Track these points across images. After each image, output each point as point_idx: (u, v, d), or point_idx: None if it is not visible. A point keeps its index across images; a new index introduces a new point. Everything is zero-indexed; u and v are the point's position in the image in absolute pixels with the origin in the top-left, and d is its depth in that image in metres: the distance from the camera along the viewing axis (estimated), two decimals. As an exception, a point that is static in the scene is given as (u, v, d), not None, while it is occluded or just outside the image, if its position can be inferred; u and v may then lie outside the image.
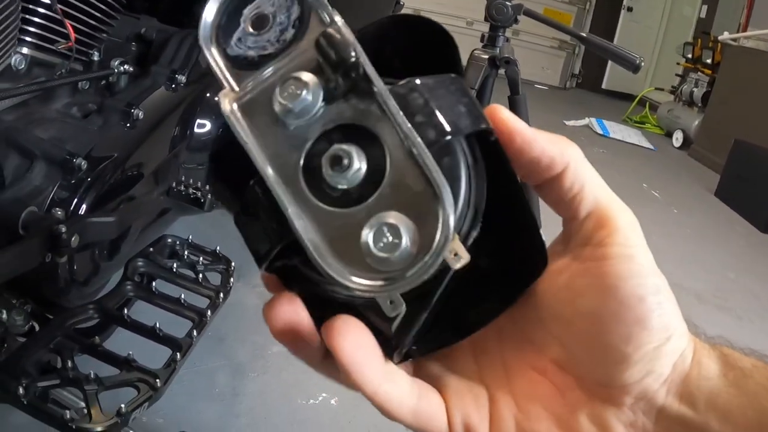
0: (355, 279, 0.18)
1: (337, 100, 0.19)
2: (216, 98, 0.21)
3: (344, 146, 0.19)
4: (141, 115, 0.79)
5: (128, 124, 0.79)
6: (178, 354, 0.72)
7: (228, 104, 0.20)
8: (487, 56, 1.09)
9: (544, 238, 0.22)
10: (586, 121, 4.30)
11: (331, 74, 0.19)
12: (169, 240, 0.92)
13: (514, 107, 1.13)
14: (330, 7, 0.20)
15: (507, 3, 1.03)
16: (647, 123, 4.73)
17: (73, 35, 0.72)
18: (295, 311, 0.20)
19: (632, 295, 0.20)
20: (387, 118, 0.19)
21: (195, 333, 0.77)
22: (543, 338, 0.23)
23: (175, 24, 0.97)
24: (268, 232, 0.20)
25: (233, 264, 0.92)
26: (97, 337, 0.71)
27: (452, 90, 0.20)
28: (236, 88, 0.20)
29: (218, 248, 0.93)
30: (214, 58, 0.21)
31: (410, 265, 0.18)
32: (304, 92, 0.19)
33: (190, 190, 0.85)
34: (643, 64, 1.04)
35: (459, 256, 0.18)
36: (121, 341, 0.77)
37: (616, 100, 5.64)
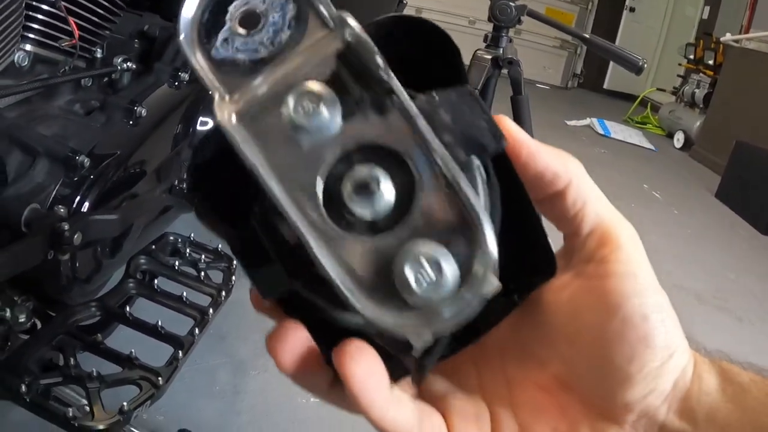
0: (389, 317, 0.17)
1: (355, 114, 0.17)
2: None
3: (370, 170, 0.17)
4: (144, 112, 0.79)
5: (131, 122, 0.79)
6: (180, 352, 0.72)
7: (227, 116, 0.17)
8: (490, 57, 1.09)
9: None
10: (587, 121, 4.29)
11: (351, 86, 0.17)
12: (171, 238, 0.92)
13: (516, 108, 1.13)
14: (332, 6, 0.18)
15: (510, 4, 1.03)
16: (648, 123, 4.73)
17: (76, 32, 0.72)
18: (303, 344, 0.19)
19: (636, 314, 0.20)
20: (415, 137, 0.17)
21: (197, 331, 0.77)
22: (545, 354, 0.23)
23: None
24: (280, 265, 0.18)
25: (235, 262, 0.92)
26: (99, 335, 0.72)
27: (472, 105, 0.18)
28: (227, 98, 0.18)
29: (220, 246, 0.93)
30: (197, 61, 0.18)
31: (451, 302, 0.16)
32: (321, 107, 0.17)
33: (193, 188, 0.85)
34: (645, 65, 1.03)
35: (490, 282, 0.17)
36: (123, 339, 0.77)
37: (617, 101, 5.64)
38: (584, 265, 0.21)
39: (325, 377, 0.20)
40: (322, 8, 0.18)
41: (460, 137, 0.18)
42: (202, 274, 0.88)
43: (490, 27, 1.14)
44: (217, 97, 0.18)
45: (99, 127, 0.77)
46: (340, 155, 0.17)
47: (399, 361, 0.20)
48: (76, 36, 0.72)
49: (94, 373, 0.65)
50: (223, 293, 0.85)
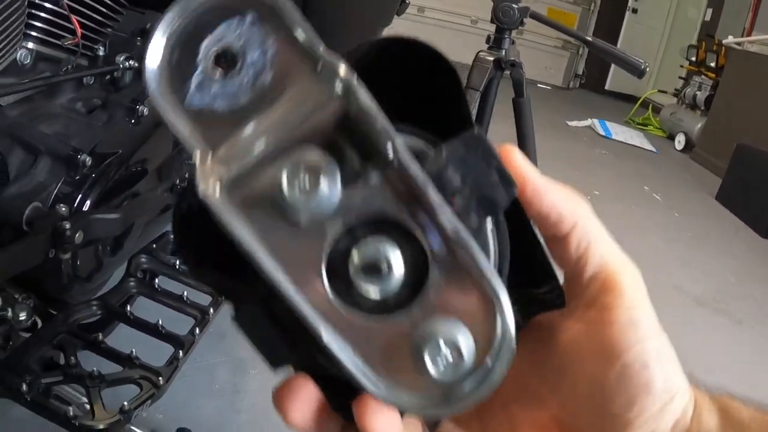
0: (405, 397, 0.16)
1: (356, 182, 0.16)
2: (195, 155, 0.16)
3: (379, 249, 0.16)
4: (146, 111, 0.79)
5: (133, 121, 0.79)
6: (180, 352, 0.72)
7: (211, 188, 0.15)
8: (492, 58, 1.09)
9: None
10: (588, 121, 4.29)
11: (351, 153, 0.15)
12: (172, 236, 0.92)
13: (518, 109, 1.13)
14: (321, 42, 0.16)
15: (513, 5, 1.03)
16: (650, 125, 4.73)
17: (79, 31, 0.72)
18: (314, 400, 0.18)
19: (636, 362, 0.20)
20: (425, 208, 0.16)
21: (197, 330, 0.77)
22: (547, 395, 0.23)
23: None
24: (287, 340, 0.17)
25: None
26: (99, 334, 0.72)
27: (481, 153, 0.17)
28: (209, 157, 0.15)
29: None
30: (168, 112, 0.15)
31: (470, 377, 0.16)
32: (320, 182, 0.15)
33: (194, 188, 0.85)
34: (648, 69, 1.03)
35: (510, 351, 0.16)
36: (123, 338, 0.77)
37: (619, 102, 5.63)
38: (586, 309, 0.21)
39: (334, 425, 0.19)
40: (309, 45, 0.16)
41: (471, 198, 0.16)
42: (203, 273, 0.88)
43: (492, 27, 1.14)
44: (198, 156, 0.15)
45: (101, 126, 0.76)
46: (343, 229, 0.16)
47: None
48: (79, 34, 0.72)
49: (95, 372, 0.65)
50: (224, 293, 0.85)
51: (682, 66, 4.65)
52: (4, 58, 0.63)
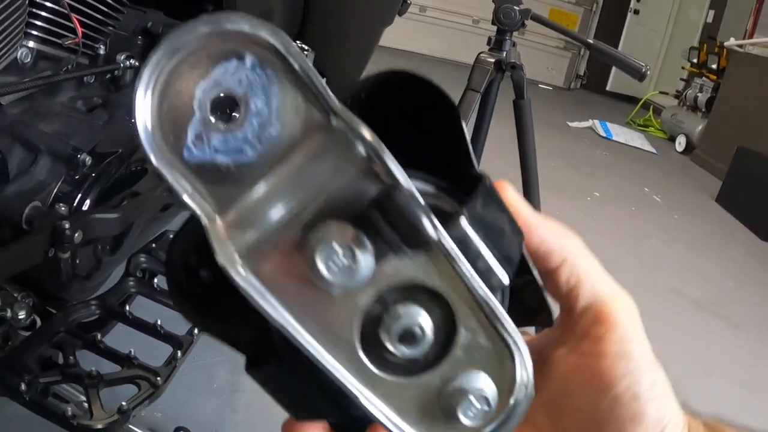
0: None
1: (388, 255, 0.15)
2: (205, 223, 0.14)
3: (413, 316, 0.16)
4: (146, 111, 0.79)
5: (133, 120, 0.79)
6: (178, 352, 0.72)
7: (231, 260, 0.14)
8: (493, 60, 1.09)
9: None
10: (589, 122, 4.29)
11: (385, 230, 0.15)
12: (172, 236, 0.92)
13: (518, 111, 1.13)
14: (331, 94, 0.14)
15: (515, 7, 1.03)
16: (650, 126, 4.73)
17: (79, 30, 0.72)
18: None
19: (626, 394, 0.21)
20: (455, 275, 0.16)
21: (196, 331, 0.77)
22: (543, 424, 0.23)
23: (182, 18, 0.97)
24: (312, 396, 0.17)
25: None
26: (98, 333, 0.72)
27: (494, 207, 0.18)
28: (217, 222, 0.14)
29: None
30: (165, 171, 0.13)
31: (493, 421, 0.17)
32: (357, 258, 0.15)
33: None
34: (648, 72, 1.03)
35: (529, 395, 0.18)
36: (122, 337, 0.77)
37: (620, 103, 5.63)
38: (579, 341, 0.22)
39: None
40: (320, 94, 0.14)
41: (492, 259, 0.17)
42: (202, 273, 0.88)
43: (494, 27, 1.14)
44: (205, 221, 0.14)
45: (101, 125, 0.76)
46: (375, 297, 0.16)
47: None
48: (79, 33, 0.72)
49: (93, 372, 0.65)
50: (223, 293, 0.85)
51: (683, 68, 4.64)
52: (4, 57, 0.63)
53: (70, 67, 0.75)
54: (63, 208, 0.65)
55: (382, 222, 0.15)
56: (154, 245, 0.88)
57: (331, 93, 0.15)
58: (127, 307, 0.77)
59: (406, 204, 0.15)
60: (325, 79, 0.16)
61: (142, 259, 0.86)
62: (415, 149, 0.18)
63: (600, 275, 0.22)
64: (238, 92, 0.14)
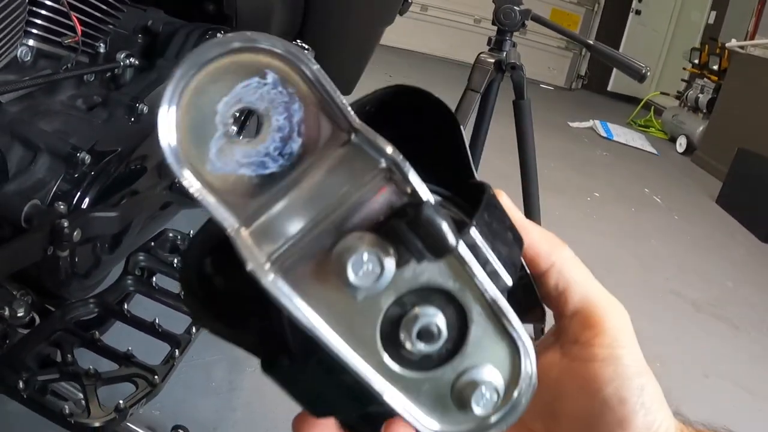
0: (448, 429, 0.19)
1: (409, 262, 0.17)
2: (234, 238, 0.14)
3: (431, 316, 0.18)
4: (146, 109, 0.79)
5: (133, 118, 0.79)
6: (176, 350, 0.72)
7: (262, 267, 0.15)
8: (493, 60, 1.09)
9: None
10: (590, 123, 4.29)
11: (410, 240, 0.16)
12: (171, 234, 0.92)
13: (518, 112, 1.13)
14: (351, 111, 0.15)
15: (515, 8, 1.03)
16: (651, 127, 4.72)
17: (79, 28, 0.72)
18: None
19: (614, 398, 0.21)
20: (468, 278, 0.18)
21: (194, 329, 0.77)
22: (532, 423, 0.23)
23: (183, 16, 0.97)
24: (331, 393, 0.18)
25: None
26: (96, 332, 0.72)
27: (499, 216, 0.20)
28: (244, 231, 0.15)
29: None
30: (190, 183, 0.14)
31: (499, 417, 0.19)
32: (384, 266, 0.16)
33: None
34: (649, 74, 1.03)
35: (532, 387, 0.20)
36: (120, 336, 0.77)
37: (621, 103, 5.62)
38: (570, 346, 0.22)
39: None
40: (340, 110, 0.15)
41: (501, 267, 0.19)
42: (201, 271, 0.88)
43: (495, 27, 1.13)
44: (231, 232, 0.15)
45: (101, 124, 0.76)
46: (395, 299, 0.17)
47: None
48: (79, 32, 0.72)
49: (91, 370, 0.65)
50: (221, 291, 0.85)
51: (684, 68, 4.64)
52: (4, 56, 0.63)
53: (69, 65, 0.75)
54: (62, 207, 0.65)
55: (409, 233, 0.16)
56: (153, 244, 0.88)
57: (351, 110, 0.16)
58: (126, 306, 0.77)
59: (432, 216, 0.16)
60: None
61: (141, 257, 0.86)
62: (415, 158, 0.18)
63: (589, 281, 0.22)
64: (260, 108, 0.15)
